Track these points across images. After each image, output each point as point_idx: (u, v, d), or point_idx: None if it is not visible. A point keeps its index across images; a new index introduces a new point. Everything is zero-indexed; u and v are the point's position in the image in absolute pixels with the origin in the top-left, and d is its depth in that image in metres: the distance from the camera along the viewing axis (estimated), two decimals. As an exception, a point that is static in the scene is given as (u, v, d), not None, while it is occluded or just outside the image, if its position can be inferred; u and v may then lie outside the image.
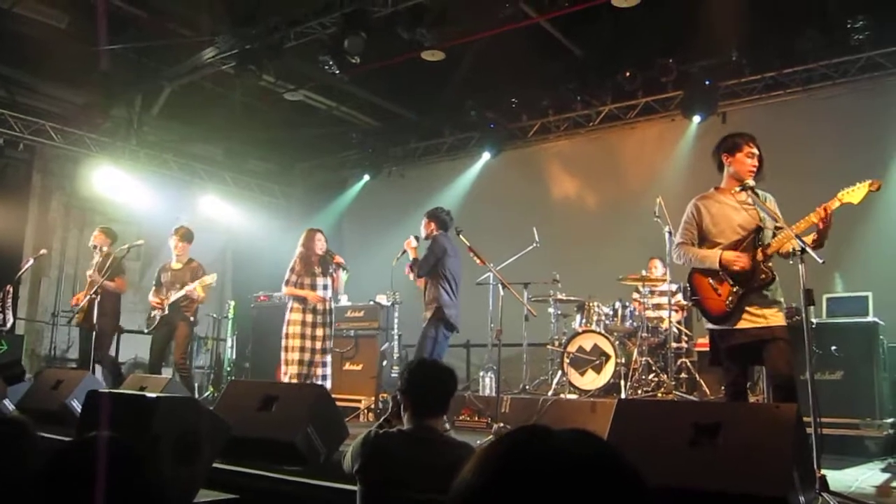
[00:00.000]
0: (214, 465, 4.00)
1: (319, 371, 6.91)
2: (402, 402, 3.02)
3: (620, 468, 0.80)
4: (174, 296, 7.44)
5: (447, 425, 3.36)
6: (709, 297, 4.26)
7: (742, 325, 4.11)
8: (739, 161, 4.24)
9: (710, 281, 4.24)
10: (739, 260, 4.10)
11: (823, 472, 3.50)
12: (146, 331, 7.82)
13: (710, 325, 4.30)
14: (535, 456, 0.80)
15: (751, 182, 4.12)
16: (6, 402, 5.94)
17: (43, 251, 8.98)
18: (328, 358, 7.02)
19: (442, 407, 3.04)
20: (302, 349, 6.88)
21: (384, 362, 8.76)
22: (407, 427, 2.97)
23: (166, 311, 7.48)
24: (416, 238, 6.80)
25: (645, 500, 0.79)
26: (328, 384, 6.71)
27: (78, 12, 8.40)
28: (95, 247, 7.97)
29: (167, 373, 8.01)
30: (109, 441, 1.31)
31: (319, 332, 6.96)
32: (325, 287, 7.08)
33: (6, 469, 1.40)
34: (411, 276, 6.77)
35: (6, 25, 8.42)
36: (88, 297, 7.47)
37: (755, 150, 4.22)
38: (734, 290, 4.14)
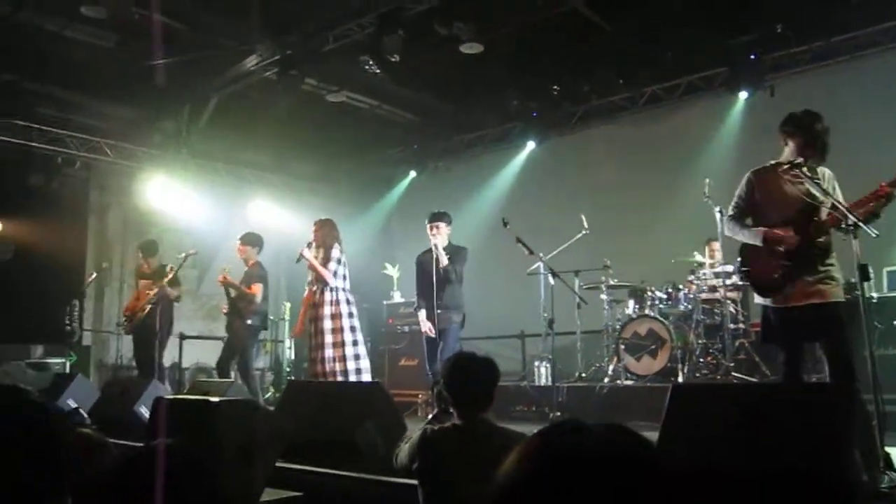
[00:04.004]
0: (277, 464, 4.10)
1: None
2: (447, 399, 3.04)
3: (650, 460, 0.83)
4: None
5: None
6: (758, 269, 4.20)
7: (796, 301, 4.03)
8: (796, 145, 4.14)
9: (762, 254, 4.16)
10: (786, 239, 4.03)
11: (888, 450, 3.43)
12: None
13: (762, 301, 4.23)
14: (570, 450, 0.85)
15: (799, 159, 4.04)
16: (70, 401, 6.17)
17: (105, 265, 9.31)
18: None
19: (487, 399, 3.03)
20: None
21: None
22: (459, 422, 3.00)
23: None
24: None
25: (674, 492, 0.82)
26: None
27: (124, 31, 8.62)
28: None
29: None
30: (170, 448, 1.37)
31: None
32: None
33: (85, 479, 1.48)
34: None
35: (57, 49, 8.69)
36: (147, 305, 7.70)
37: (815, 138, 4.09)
38: (785, 263, 4.06)
